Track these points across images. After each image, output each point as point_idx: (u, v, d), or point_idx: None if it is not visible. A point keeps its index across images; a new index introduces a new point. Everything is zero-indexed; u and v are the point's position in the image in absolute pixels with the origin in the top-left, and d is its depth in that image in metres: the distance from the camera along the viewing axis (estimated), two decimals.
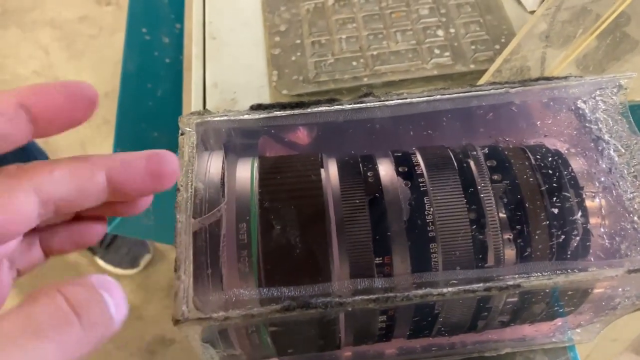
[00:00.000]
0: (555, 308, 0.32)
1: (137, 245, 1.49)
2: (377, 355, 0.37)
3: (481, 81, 0.44)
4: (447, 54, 0.47)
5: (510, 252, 0.30)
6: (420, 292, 0.27)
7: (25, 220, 0.20)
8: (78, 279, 0.20)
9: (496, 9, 0.51)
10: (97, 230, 0.27)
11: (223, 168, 0.31)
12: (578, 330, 0.37)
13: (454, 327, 0.32)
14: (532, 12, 0.51)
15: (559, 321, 0.35)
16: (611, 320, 0.35)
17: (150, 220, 0.54)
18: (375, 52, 0.48)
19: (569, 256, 0.30)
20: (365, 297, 0.27)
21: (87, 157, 0.23)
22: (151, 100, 0.68)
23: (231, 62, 0.51)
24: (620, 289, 0.31)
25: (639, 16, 0.51)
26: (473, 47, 0.47)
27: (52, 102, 0.21)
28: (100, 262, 1.48)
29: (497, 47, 0.47)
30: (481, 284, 0.27)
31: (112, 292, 0.20)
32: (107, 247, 1.48)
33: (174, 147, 0.55)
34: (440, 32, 0.49)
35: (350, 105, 0.33)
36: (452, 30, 0.49)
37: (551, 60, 0.44)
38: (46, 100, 0.21)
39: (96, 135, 1.52)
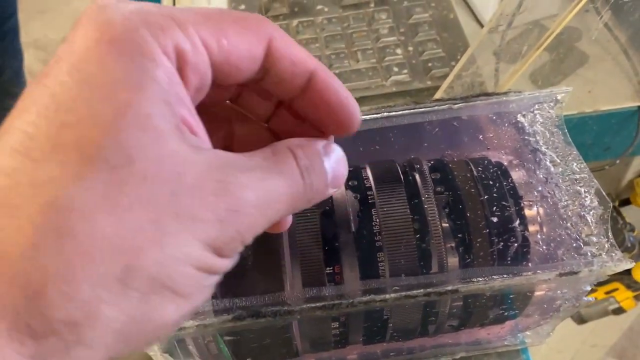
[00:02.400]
0: (502, 311, 0.34)
1: None
2: None
3: (435, 97, 0.46)
4: (405, 71, 0.49)
5: (453, 259, 0.31)
6: (364, 298, 0.28)
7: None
8: (307, 141, 0.21)
9: (453, 27, 0.53)
10: None
11: None
12: (529, 332, 0.38)
13: (406, 332, 0.34)
14: None
15: (509, 324, 0.36)
16: (557, 322, 0.36)
17: None
18: (337, 71, 0.50)
19: (509, 262, 0.31)
20: (312, 304, 0.28)
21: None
22: None
23: None
24: (558, 292, 0.32)
25: (590, 32, 0.53)
26: (430, 64, 0.50)
27: (325, 96, 0.21)
28: None
29: (453, 63, 0.49)
30: (421, 290, 0.29)
31: (333, 159, 0.21)
32: None
33: None
34: (399, 51, 0.51)
35: None
36: (410, 49, 0.51)
37: (502, 75, 0.46)
38: (323, 90, 0.21)
39: None
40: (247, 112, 0.24)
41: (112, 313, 0.15)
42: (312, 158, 0.20)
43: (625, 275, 0.67)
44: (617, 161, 0.51)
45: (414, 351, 0.39)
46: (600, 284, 0.71)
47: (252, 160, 0.19)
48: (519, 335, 0.38)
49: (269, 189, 0.18)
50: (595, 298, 0.72)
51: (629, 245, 0.59)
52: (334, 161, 0.21)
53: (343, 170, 0.22)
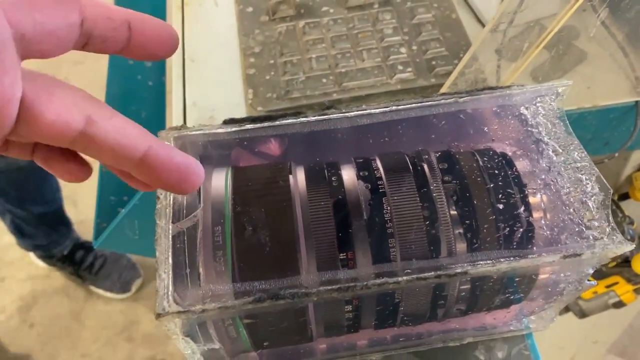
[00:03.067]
0: (507, 295, 0.35)
1: (128, 269, 1.50)
2: (350, 347, 0.40)
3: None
4: (409, 69, 0.51)
5: (461, 245, 0.33)
6: (378, 280, 0.30)
7: None
8: None
9: (455, 26, 0.54)
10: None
11: None
12: (533, 317, 0.40)
13: (416, 316, 0.35)
14: None
15: (514, 309, 0.38)
16: (561, 306, 0.38)
17: (136, 235, 0.57)
18: (343, 70, 0.51)
19: (514, 246, 0.33)
20: (329, 287, 0.30)
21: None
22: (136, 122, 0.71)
23: (209, 83, 0.54)
24: (562, 274, 0.34)
25: (588, 30, 0.55)
26: (434, 62, 0.51)
27: (147, 31, 0.25)
28: (92, 288, 1.49)
29: (456, 61, 0.51)
30: (432, 272, 0.30)
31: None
32: (96, 274, 1.49)
33: None
34: (403, 50, 0.52)
35: (315, 117, 0.36)
36: (414, 48, 0.52)
37: (504, 72, 0.48)
38: (142, 28, 0.25)
39: None
40: None
41: None
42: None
43: (625, 268, 0.68)
44: (616, 154, 0.53)
45: (422, 337, 0.40)
46: (601, 277, 0.72)
47: None
48: (524, 320, 0.40)
49: None
50: (596, 292, 0.74)
51: (629, 237, 0.61)
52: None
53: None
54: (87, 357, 1.43)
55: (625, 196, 0.65)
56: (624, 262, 0.66)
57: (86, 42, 0.24)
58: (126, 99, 0.73)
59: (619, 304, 0.74)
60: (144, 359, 1.42)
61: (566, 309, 0.78)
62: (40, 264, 1.52)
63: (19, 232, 1.35)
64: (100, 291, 1.49)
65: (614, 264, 0.68)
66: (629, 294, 0.72)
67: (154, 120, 0.71)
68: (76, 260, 1.47)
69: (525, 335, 0.41)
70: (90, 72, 1.86)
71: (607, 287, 0.73)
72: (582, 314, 0.77)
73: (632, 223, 0.62)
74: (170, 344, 1.42)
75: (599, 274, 0.72)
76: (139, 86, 0.73)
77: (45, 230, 1.38)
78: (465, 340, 0.40)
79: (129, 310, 1.49)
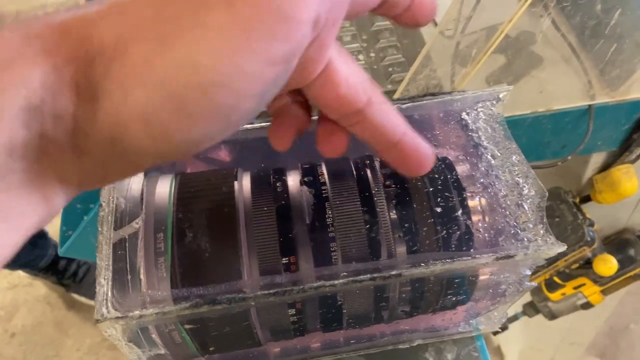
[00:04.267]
0: (450, 296, 0.36)
1: None
2: (304, 350, 0.40)
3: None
4: None
5: (401, 248, 0.33)
6: (314, 284, 0.30)
7: None
8: None
9: (413, 33, 0.55)
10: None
11: (143, 184, 0.35)
12: (482, 319, 0.40)
13: (361, 319, 0.36)
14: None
15: (461, 310, 0.39)
16: (507, 306, 0.38)
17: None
18: None
19: (453, 249, 0.33)
20: (266, 291, 0.30)
21: None
22: None
23: None
24: (502, 276, 0.34)
25: (544, 35, 0.56)
26: (390, 69, 0.52)
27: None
28: (75, 296, 1.49)
29: None
30: (368, 275, 0.31)
31: None
32: (79, 282, 1.48)
33: None
34: (361, 57, 0.53)
35: (259, 124, 0.36)
36: (372, 55, 0.53)
37: (457, 77, 0.49)
38: None
39: None
40: None
41: None
42: None
43: (590, 270, 0.69)
44: (569, 157, 0.53)
45: (374, 339, 0.40)
46: (568, 279, 0.73)
47: None
48: (472, 321, 0.40)
49: None
50: (565, 293, 0.75)
51: (589, 239, 0.61)
52: None
53: None
54: None
55: (586, 198, 0.65)
56: (586, 264, 0.67)
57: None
58: None
59: (587, 305, 0.75)
60: None
61: (536, 311, 0.79)
62: (22, 273, 1.51)
63: None
64: (84, 299, 1.48)
65: (577, 265, 0.69)
66: (596, 295, 0.73)
67: None
68: (59, 269, 1.47)
69: (475, 337, 0.42)
70: None
71: (575, 288, 0.74)
72: (552, 316, 0.77)
73: (592, 225, 0.63)
74: None
75: (565, 276, 0.73)
76: None
77: (26, 249, 1.38)
78: (415, 342, 0.41)
79: None
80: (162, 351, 0.34)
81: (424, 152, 0.27)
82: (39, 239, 1.42)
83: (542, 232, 0.32)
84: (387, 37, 0.54)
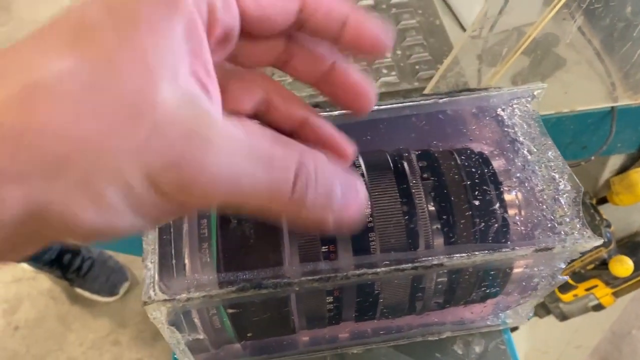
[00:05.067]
0: (483, 289, 0.36)
1: (116, 272, 1.50)
2: (332, 340, 0.41)
3: None
4: (393, 73, 0.52)
5: (438, 239, 0.34)
6: (357, 271, 0.31)
7: None
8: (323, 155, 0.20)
9: (439, 32, 0.56)
10: None
11: None
12: (510, 312, 0.41)
13: (395, 309, 0.36)
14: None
15: (490, 303, 0.39)
16: (536, 300, 0.39)
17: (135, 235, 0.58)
18: None
19: (489, 241, 0.34)
20: (310, 277, 0.31)
21: None
22: None
23: None
24: (535, 269, 0.35)
25: (567, 37, 0.57)
26: (417, 66, 0.53)
27: (363, 37, 0.22)
28: (79, 290, 1.49)
29: (439, 66, 0.53)
30: (410, 264, 0.31)
31: (347, 185, 0.20)
32: (83, 276, 1.48)
33: None
34: (387, 54, 0.54)
35: None
36: (398, 52, 0.54)
37: (484, 76, 0.49)
38: (359, 32, 0.22)
39: None
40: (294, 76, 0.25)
41: None
42: (320, 174, 0.19)
43: (604, 272, 0.70)
44: (592, 158, 0.54)
45: (402, 330, 0.41)
46: (580, 280, 0.74)
47: (252, 136, 0.18)
48: (500, 314, 0.41)
49: (240, 172, 0.17)
50: (576, 295, 0.75)
51: (606, 240, 0.62)
52: (347, 187, 0.20)
53: (355, 203, 0.21)
54: None
55: (603, 200, 0.66)
56: (602, 264, 0.68)
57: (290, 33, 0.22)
58: None
59: (599, 307, 0.75)
60: None
61: (547, 312, 0.80)
62: (27, 266, 1.51)
63: None
64: (87, 294, 1.48)
65: (592, 266, 0.69)
66: (608, 297, 0.74)
67: None
68: (64, 263, 1.47)
69: (502, 331, 0.42)
70: None
71: (587, 290, 0.74)
72: (563, 317, 0.78)
73: (609, 226, 0.64)
74: (157, 347, 1.42)
75: (578, 277, 0.73)
76: None
77: None
78: (444, 335, 0.41)
79: (115, 313, 1.49)
80: (201, 336, 0.34)
81: (376, 30, 0.22)
82: None
83: (578, 226, 0.33)
84: (413, 35, 0.55)
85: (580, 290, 0.74)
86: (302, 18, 0.21)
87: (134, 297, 1.51)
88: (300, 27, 0.22)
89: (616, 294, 0.74)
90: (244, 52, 0.22)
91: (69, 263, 1.47)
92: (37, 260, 1.44)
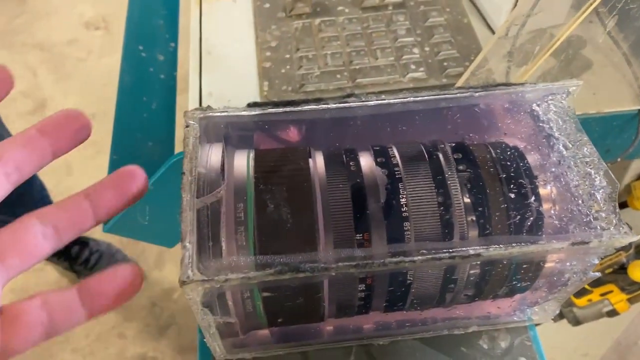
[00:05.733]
0: (514, 282, 0.36)
1: None
2: (356, 330, 0.41)
3: None
4: (421, 69, 0.52)
5: (473, 231, 0.34)
6: (394, 259, 0.31)
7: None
8: None
9: (466, 30, 0.56)
10: None
11: (223, 156, 0.35)
12: (536, 309, 0.41)
13: (425, 300, 0.36)
14: None
15: (518, 298, 0.39)
16: (564, 297, 0.39)
17: (145, 221, 0.58)
18: (357, 67, 0.53)
19: (524, 234, 0.34)
20: (347, 263, 0.31)
21: None
22: (146, 113, 0.72)
23: (225, 74, 0.55)
24: (567, 264, 0.35)
25: (594, 40, 0.57)
26: (445, 63, 0.53)
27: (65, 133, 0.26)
28: None
29: (467, 63, 0.53)
30: (446, 253, 0.31)
31: None
32: (91, 269, 1.49)
33: (169, 153, 0.59)
34: (416, 50, 0.54)
35: (335, 105, 0.37)
36: (426, 49, 0.54)
37: (513, 75, 0.49)
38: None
39: (82, 156, 1.54)
40: None
41: None
42: None
43: (620, 276, 0.69)
44: (618, 160, 0.54)
45: (427, 323, 0.41)
46: (596, 285, 0.74)
47: None
48: (527, 310, 0.41)
49: None
50: (591, 300, 0.75)
51: (626, 244, 0.62)
52: None
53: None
54: (77, 352, 1.42)
55: (623, 205, 0.66)
56: (620, 269, 0.68)
57: None
58: (138, 90, 0.74)
59: (613, 313, 0.75)
60: (135, 356, 1.42)
61: (560, 316, 0.80)
62: None
63: None
64: None
65: (610, 270, 0.69)
66: (623, 303, 0.74)
67: (164, 112, 0.72)
68: (72, 255, 1.47)
69: (528, 327, 0.42)
70: (93, 70, 1.87)
71: (602, 295, 0.74)
72: (576, 322, 0.78)
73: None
74: (162, 341, 1.42)
75: (594, 282, 0.73)
76: (151, 78, 0.75)
77: None
78: (470, 329, 0.41)
79: (121, 307, 1.49)
80: (233, 319, 0.34)
81: None
82: None
83: (615, 221, 0.33)
84: (441, 32, 0.55)
85: (595, 295, 0.74)
86: None
87: (140, 291, 1.51)
88: None
89: (631, 300, 0.74)
90: None
91: (77, 255, 1.47)
92: None
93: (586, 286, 0.74)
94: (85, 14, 2.03)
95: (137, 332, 1.45)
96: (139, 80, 0.75)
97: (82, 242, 1.48)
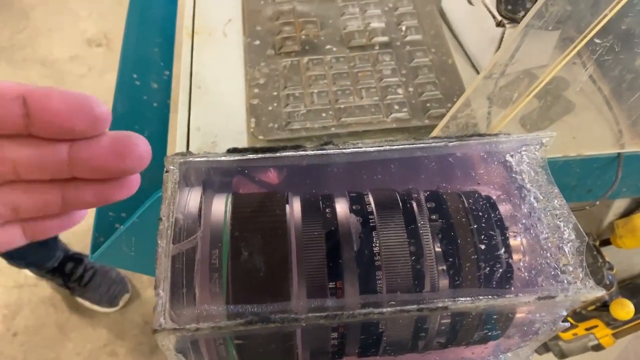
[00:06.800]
0: (486, 331, 0.37)
1: (117, 283, 1.51)
2: None
3: (432, 135, 0.50)
4: (405, 109, 0.53)
5: (444, 281, 0.35)
6: (364, 310, 0.32)
7: None
8: None
9: (451, 71, 0.57)
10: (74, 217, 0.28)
11: (201, 202, 0.36)
12: (510, 355, 0.41)
13: (398, 346, 0.37)
14: None
15: (492, 345, 0.40)
16: (536, 344, 0.39)
17: (132, 251, 0.59)
18: (342, 106, 0.54)
19: (494, 285, 0.35)
20: (317, 314, 0.32)
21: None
22: None
23: (214, 109, 0.56)
24: (537, 315, 0.36)
25: (576, 82, 0.58)
26: (428, 104, 0.54)
27: (51, 105, 0.22)
28: (79, 300, 1.49)
29: (450, 105, 0.54)
30: (415, 305, 0.32)
31: None
32: (85, 286, 1.49)
33: (158, 183, 0.60)
34: (400, 90, 0.55)
35: (313, 152, 0.38)
36: (410, 89, 0.55)
37: (494, 118, 0.50)
38: (45, 102, 0.22)
39: None
40: None
41: None
42: None
43: (604, 313, 0.70)
44: (597, 202, 0.55)
45: None
46: (581, 320, 0.74)
47: None
48: (500, 356, 0.42)
49: None
50: (576, 334, 0.76)
51: (608, 282, 0.63)
52: None
53: None
54: None
55: (606, 242, 0.67)
56: (603, 306, 0.68)
57: None
58: (131, 117, 0.75)
59: (598, 347, 0.75)
60: None
61: (546, 349, 0.80)
62: (29, 273, 1.52)
63: (7, 255, 1.36)
64: (87, 303, 1.49)
65: (593, 307, 0.70)
66: (608, 338, 0.74)
67: (157, 140, 0.73)
68: (66, 272, 1.48)
69: None
70: (94, 87, 1.89)
71: (587, 329, 0.74)
72: (562, 355, 0.78)
73: (611, 269, 0.64)
74: None
75: (579, 317, 0.74)
76: (145, 106, 0.76)
77: (34, 248, 1.39)
78: None
79: (114, 324, 1.49)
80: None
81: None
82: (50, 239, 1.43)
83: (581, 275, 0.34)
84: (425, 73, 0.56)
85: (580, 329, 0.75)
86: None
87: (133, 309, 1.51)
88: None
89: (616, 335, 0.74)
90: None
91: (71, 272, 1.48)
92: (40, 267, 1.45)
93: (571, 320, 0.75)
94: (88, 30, 2.05)
95: (129, 351, 1.45)
96: (133, 108, 0.76)
97: (76, 259, 1.48)
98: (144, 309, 1.51)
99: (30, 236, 0.26)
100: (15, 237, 0.26)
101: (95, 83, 1.91)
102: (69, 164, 0.24)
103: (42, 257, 1.42)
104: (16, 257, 1.37)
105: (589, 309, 0.70)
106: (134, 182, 0.26)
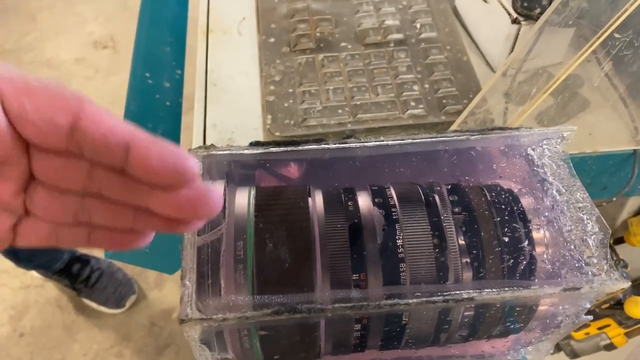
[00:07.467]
0: (508, 324, 0.37)
1: (124, 284, 1.50)
2: None
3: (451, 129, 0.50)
4: (421, 106, 0.53)
5: (467, 273, 0.35)
6: (389, 301, 0.32)
7: None
8: None
9: (466, 68, 0.57)
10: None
11: (224, 194, 0.36)
12: (530, 348, 0.41)
13: (420, 339, 0.37)
14: None
15: (512, 338, 0.40)
16: (557, 338, 0.39)
17: (147, 247, 0.59)
18: (358, 102, 0.54)
19: (517, 277, 0.35)
20: (343, 304, 0.32)
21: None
22: None
23: (230, 106, 0.57)
24: (560, 307, 0.36)
25: (591, 80, 0.58)
26: (444, 101, 0.54)
27: (149, 163, 0.21)
28: (86, 301, 1.49)
29: (465, 101, 0.54)
30: (441, 296, 0.32)
31: None
32: (91, 287, 1.49)
33: None
34: (416, 87, 0.55)
35: (335, 145, 0.38)
36: (426, 86, 0.55)
37: (511, 114, 0.50)
38: (144, 157, 0.21)
39: None
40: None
41: None
42: None
43: (617, 311, 0.70)
44: (614, 199, 0.55)
45: None
46: (593, 319, 0.74)
47: None
48: (521, 350, 0.41)
49: None
50: (588, 333, 0.75)
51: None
52: None
53: None
54: None
55: (620, 240, 0.67)
56: (617, 304, 0.68)
57: (72, 152, 0.22)
58: (143, 116, 0.75)
59: (610, 346, 0.75)
60: None
61: (558, 349, 0.80)
62: (35, 274, 1.52)
63: (15, 256, 1.36)
64: (94, 305, 1.49)
65: (607, 306, 0.70)
66: (620, 337, 0.74)
67: (169, 138, 0.73)
68: (73, 273, 1.48)
69: None
70: (101, 89, 1.90)
71: (599, 329, 0.74)
72: (574, 355, 0.78)
73: (625, 267, 0.64)
74: None
75: (592, 316, 0.73)
76: (157, 105, 0.76)
77: (41, 250, 1.39)
78: None
79: (120, 325, 1.49)
80: (230, 356, 0.35)
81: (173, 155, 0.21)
82: None
83: (606, 267, 0.34)
84: (441, 70, 0.56)
85: (592, 328, 0.75)
86: (77, 137, 0.21)
87: (139, 311, 1.51)
88: (80, 147, 0.22)
89: (628, 335, 0.74)
90: (39, 166, 0.23)
91: (78, 273, 1.48)
92: (47, 269, 1.45)
93: None
94: (94, 33, 2.06)
95: (135, 352, 1.44)
96: (145, 107, 0.76)
97: (83, 260, 1.48)
98: (150, 311, 1.51)
99: (93, 243, 0.26)
100: (80, 240, 0.26)
101: (102, 85, 1.91)
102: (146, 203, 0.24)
103: (50, 259, 1.41)
104: (23, 259, 1.37)
105: (603, 307, 0.70)
106: (201, 223, 0.26)
